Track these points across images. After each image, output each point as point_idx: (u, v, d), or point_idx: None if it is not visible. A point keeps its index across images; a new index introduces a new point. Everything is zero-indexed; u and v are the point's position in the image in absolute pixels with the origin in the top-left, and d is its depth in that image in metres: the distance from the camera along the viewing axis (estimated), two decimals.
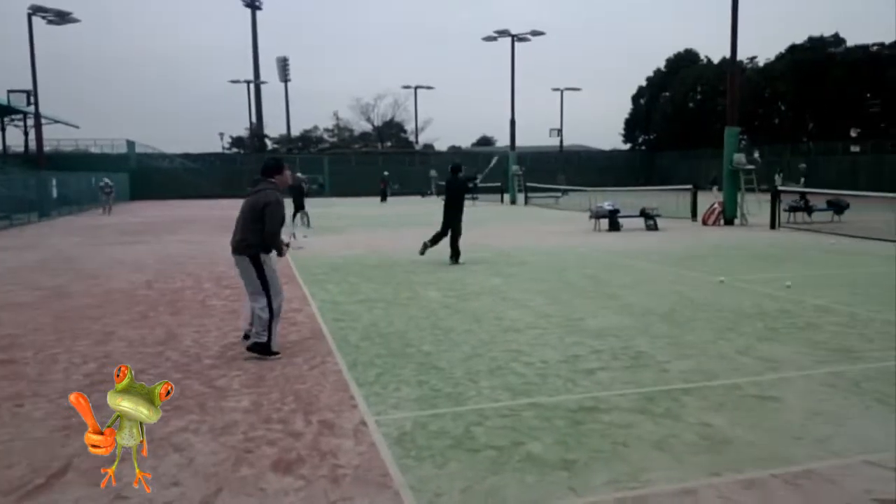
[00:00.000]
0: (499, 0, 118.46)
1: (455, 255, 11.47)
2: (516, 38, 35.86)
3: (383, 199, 38.58)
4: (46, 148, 45.04)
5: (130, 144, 49.56)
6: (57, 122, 44.45)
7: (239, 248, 5.79)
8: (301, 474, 3.51)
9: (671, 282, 9.31)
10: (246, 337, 6.00)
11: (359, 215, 26.72)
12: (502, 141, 39.92)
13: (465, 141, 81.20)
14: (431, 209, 30.57)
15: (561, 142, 62.32)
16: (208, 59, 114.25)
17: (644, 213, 18.25)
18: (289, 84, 69.71)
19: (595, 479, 3.40)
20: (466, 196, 12.11)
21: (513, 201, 35.23)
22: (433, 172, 47.04)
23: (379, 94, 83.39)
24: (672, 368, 5.24)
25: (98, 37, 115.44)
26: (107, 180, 30.55)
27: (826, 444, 3.76)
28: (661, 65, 62.42)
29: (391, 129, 72.89)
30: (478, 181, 12.45)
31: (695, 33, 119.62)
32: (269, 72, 74.24)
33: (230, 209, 29.17)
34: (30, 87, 30.63)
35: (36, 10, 29.62)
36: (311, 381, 5.06)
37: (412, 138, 68.04)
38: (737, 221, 18.78)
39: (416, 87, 58.35)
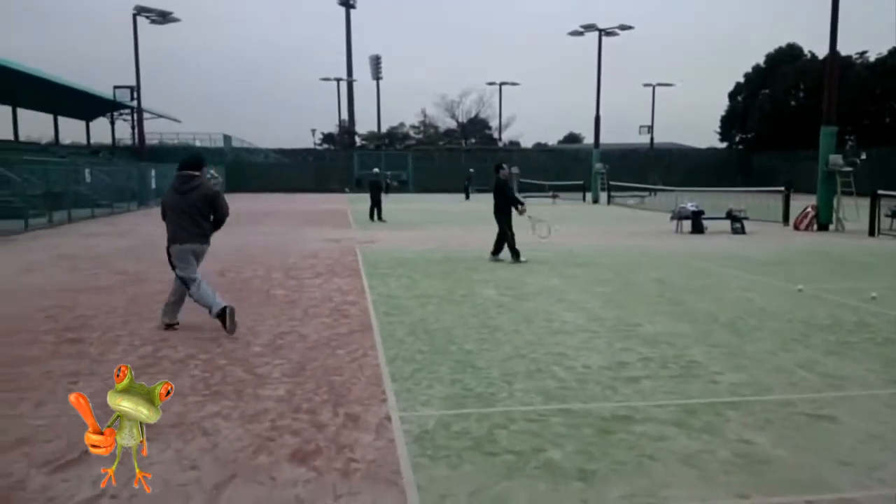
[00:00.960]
0: None
1: (514, 253, 11.27)
2: (604, 33, 35.02)
3: (467, 195, 38.65)
4: (152, 141, 48.03)
5: (227, 139, 51.96)
6: (160, 116, 47.24)
7: (204, 236, 6.51)
8: (314, 466, 3.53)
9: (744, 288, 8.81)
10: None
11: (436, 211, 26.89)
12: (590, 138, 39.10)
13: (552, 137, 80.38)
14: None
15: (651, 139, 60.54)
16: (303, 56, 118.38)
17: (730, 216, 17.40)
18: (379, 81, 71.11)
19: (611, 492, 3.24)
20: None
21: (595, 200, 34.51)
22: (515, 169, 46.72)
23: (464, 91, 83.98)
24: (723, 380, 4.94)
25: (199, 35, 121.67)
26: (212, 171, 31.77)
27: (876, 473, 3.43)
28: (761, 60, 59.35)
29: (475, 126, 72.98)
30: (520, 208, 11.91)
31: (798, 27, 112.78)
32: (361, 69, 75.93)
33: (316, 203, 30.28)
34: (135, 82, 32.64)
35: (140, 11, 31.57)
36: (349, 373, 5.10)
37: (496, 135, 67.89)
38: (831, 227, 17.58)
39: (500, 84, 58.16)
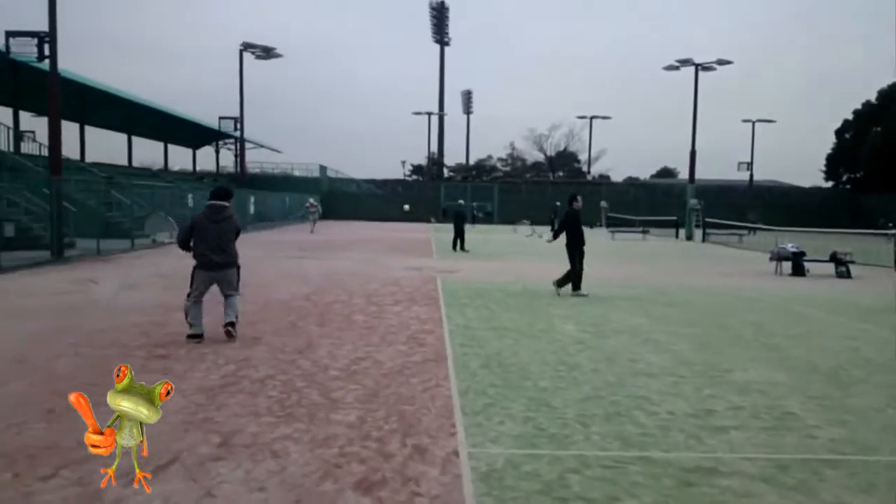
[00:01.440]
0: (684, 26, 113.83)
1: (575, 287, 11.06)
2: (700, 68, 34.11)
3: (553, 227, 38.29)
4: (255, 170, 50.50)
5: (322, 169, 53.94)
6: (262, 146, 49.65)
7: (232, 262, 7.31)
8: (379, 497, 3.47)
9: (849, 337, 8.16)
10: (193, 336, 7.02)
11: (520, 242, 26.70)
12: (685, 173, 38.04)
13: (644, 172, 78.48)
14: (597, 241, 29.86)
15: (751, 176, 57.99)
16: (397, 91, 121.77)
17: (835, 258, 16.29)
18: (470, 115, 72.17)
19: None
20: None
21: (688, 237, 33.26)
22: (604, 203, 45.95)
23: (553, 125, 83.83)
24: (821, 435, 4.54)
25: (299, 70, 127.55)
26: (312, 200, 32.91)
27: None
28: (872, 96, 56.03)
29: (563, 160, 72.50)
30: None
31: None
32: (452, 103, 77.27)
33: (403, 231, 30.82)
34: (239, 114, 34.53)
35: (246, 47, 33.48)
36: (420, 403, 5.04)
37: (585, 168, 67.11)
38: None
39: (591, 118, 57.56)
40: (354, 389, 5.38)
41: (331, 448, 4.13)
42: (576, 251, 11.20)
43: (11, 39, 16.18)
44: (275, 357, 6.45)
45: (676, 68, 35.27)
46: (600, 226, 44.17)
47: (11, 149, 23.20)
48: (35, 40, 15.91)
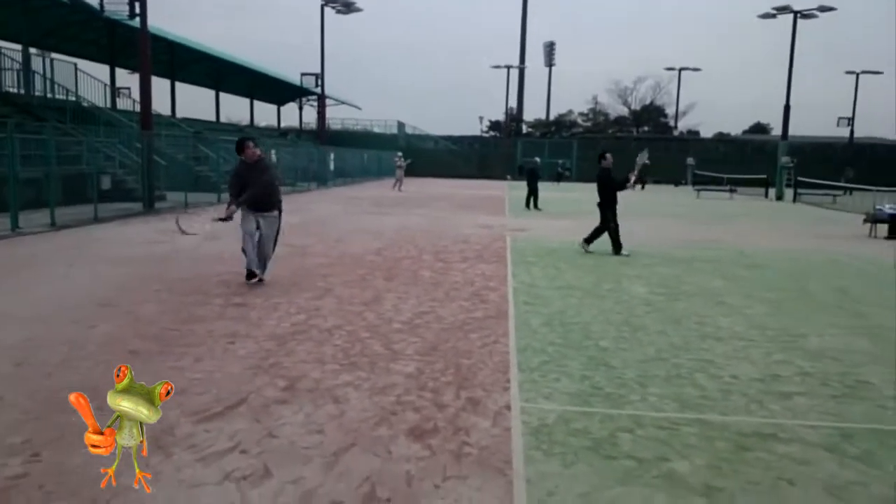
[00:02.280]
0: None
1: (616, 246, 10.80)
2: (799, 15, 31.79)
3: (643, 186, 37.43)
4: (336, 126, 51.29)
5: (400, 125, 54.18)
6: (342, 103, 50.21)
7: (277, 204, 7.97)
8: (429, 444, 3.59)
9: None
10: (250, 275, 7.70)
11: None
12: (779, 129, 35.76)
13: (735, 127, 74.50)
14: (682, 200, 28.83)
15: (851, 132, 54.24)
16: (477, 45, 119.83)
17: None
18: (552, 68, 70.39)
19: None
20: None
21: (779, 197, 31.61)
22: (690, 160, 44.20)
23: (639, 77, 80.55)
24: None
25: (379, 26, 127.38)
26: (400, 154, 32.01)
27: None
28: None
29: (649, 114, 69.75)
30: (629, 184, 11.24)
31: None
32: (532, 56, 75.46)
33: (477, 189, 30.66)
34: (325, 71, 35.03)
35: (327, 1, 33.73)
36: (477, 357, 5.12)
37: (672, 123, 64.46)
38: None
39: (679, 69, 54.93)
40: (415, 342, 5.52)
41: (388, 396, 4.29)
42: (607, 210, 10.92)
43: None
44: (343, 308, 6.67)
45: (773, 16, 33.02)
46: (685, 184, 42.59)
47: (108, 105, 24.46)
48: None
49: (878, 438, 3.80)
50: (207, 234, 12.36)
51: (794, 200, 29.75)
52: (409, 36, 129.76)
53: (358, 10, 34.25)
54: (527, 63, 70.26)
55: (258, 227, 7.74)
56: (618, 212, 10.98)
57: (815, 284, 8.78)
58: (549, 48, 76.87)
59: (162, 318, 6.07)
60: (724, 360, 5.27)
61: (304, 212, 17.98)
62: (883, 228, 15.26)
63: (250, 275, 7.70)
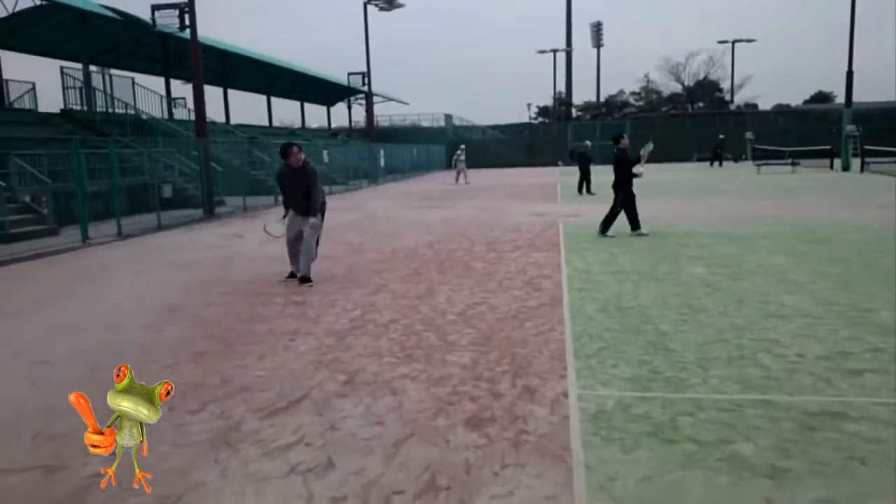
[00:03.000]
0: None
1: (634, 225, 10.76)
2: None
3: (715, 163, 36.72)
4: (384, 123, 51.73)
5: (448, 118, 54.20)
6: (389, 99, 50.61)
7: (321, 208, 7.98)
8: (487, 433, 3.62)
9: None
10: (292, 275, 7.97)
11: (655, 182, 25.55)
12: (842, 97, 34.02)
13: (796, 98, 71.90)
14: (741, 176, 27.91)
15: None
16: (523, 30, 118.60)
17: None
18: (600, 49, 69.11)
19: (803, 495, 2.89)
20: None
21: (845, 167, 30.26)
22: (749, 135, 42.78)
23: (691, 52, 78.36)
24: None
25: (423, 19, 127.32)
26: (462, 147, 30.88)
27: None
28: None
29: (704, 89, 67.69)
30: (638, 172, 10.98)
31: None
32: (579, 38, 74.23)
33: (527, 177, 30.37)
34: (371, 69, 35.35)
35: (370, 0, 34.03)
36: (532, 346, 5.12)
37: (728, 98, 62.42)
38: None
39: (733, 42, 53.11)
40: (469, 333, 5.55)
41: (444, 387, 4.33)
42: (620, 191, 10.84)
43: (157, 13, 17.52)
44: (397, 302, 6.76)
45: None
46: (745, 159, 41.26)
47: (165, 115, 25.32)
48: (176, 12, 17.11)
49: None
50: (265, 237, 12.72)
51: (862, 171, 28.41)
52: (453, 26, 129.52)
53: (400, 5, 34.45)
54: (574, 45, 69.28)
55: (301, 230, 7.92)
56: (618, 195, 10.94)
57: (883, 257, 8.40)
58: (597, 28, 75.54)
59: (226, 319, 6.29)
60: (788, 338, 5.12)
61: (357, 209, 18.25)
62: None
63: (291, 274, 8.03)
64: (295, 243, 7.93)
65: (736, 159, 41.72)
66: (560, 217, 14.14)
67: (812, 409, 3.79)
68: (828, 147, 32.77)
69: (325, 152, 28.07)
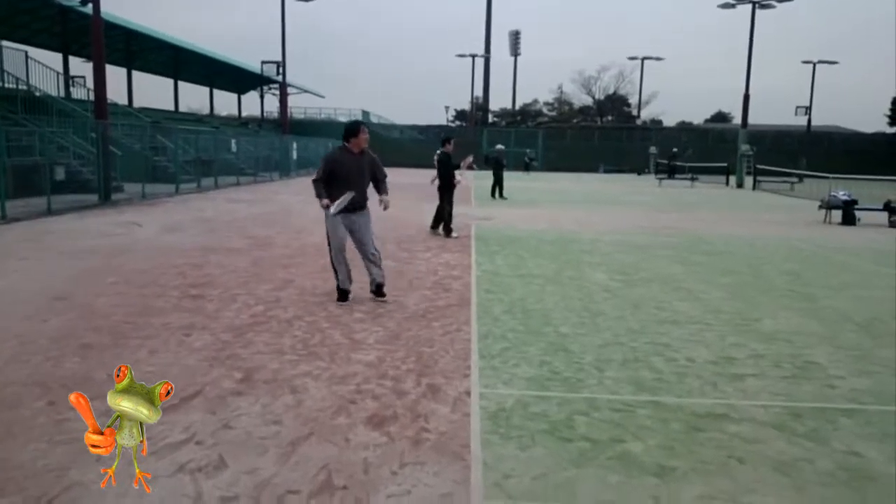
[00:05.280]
0: None
1: (446, 229, 11.34)
2: (758, 5, 32.38)
3: (670, 176, 35.74)
4: (299, 115, 50.63)
5: (365, 114, 53.74)
6: (304, 91, 49.58)
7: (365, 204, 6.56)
8: (388, 431, 3.59)
9: (891, 287, 7.90)
10: (344, 295, 6.55)
11: (562, 190, 26.33)
12: (740, 118, 36.21)
13: (698, 116, 75.78)
14: (644, 188, 29.21)
15: (809, 121, 55.53)
16: (442, 34, 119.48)
17: (888, 207, 15.65)
18: (517, 57, 70.51)
19: (687, 492, 3.03)
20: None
21: (739, 184, 32.31)
22: (653, 149, 44.83)
23: (603, 66, 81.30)
24: (842, 385, 4.46)
25: (342, 14, 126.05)
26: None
27: None
28: None
29: (613, 104, 70.41)
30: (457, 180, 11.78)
31: None
32: (498, 45, 75.49)
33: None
34: (287, 58, 34.52)
35: None
36: (439, 345, 5.13)
37: (635, 113, 65.17)
38: None
39: (642, 59, 55.49)
40: (377, 331, 5.50)
41: (347, 385, 4.27)
42: (445, 193, 11.43)
43: None
44: (303, 299, 6.61)
45: (732, 6, 33.58)
46: (648, 172, 43.18)
47: (61, 94, 23.75)
48: None
49: (825, 417, 3.92)
50: (165, 226, 12.15)
51: (754, 188, 30.41)
52: (375, 24, 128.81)
53: None
54: (492, 52, 70.31)
55: (351, 232, 6.56)
56: (444, 197, 11.49)
57: (770, 269, 9.00)
58: (515, 37, 77.06)
59: (116, 311, 5.94)
60: (679, 343, 5.37)
61: (266, 202, 17.76)
62: (837, 214, 15.72)
63: (343, 294, 6.50)
64: (344, 254, 6.56)
65: (639, 172, 43.60)
66: (472, 219, 14.29)
67: (698, 410, 3.99)
68: (724, 164, 34.85)
69: (233, 141, 27.17)
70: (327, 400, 4.02)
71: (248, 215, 14.31)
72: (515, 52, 76.45)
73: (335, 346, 5.08)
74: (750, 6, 32.51)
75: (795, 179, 29.52)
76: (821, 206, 16.33)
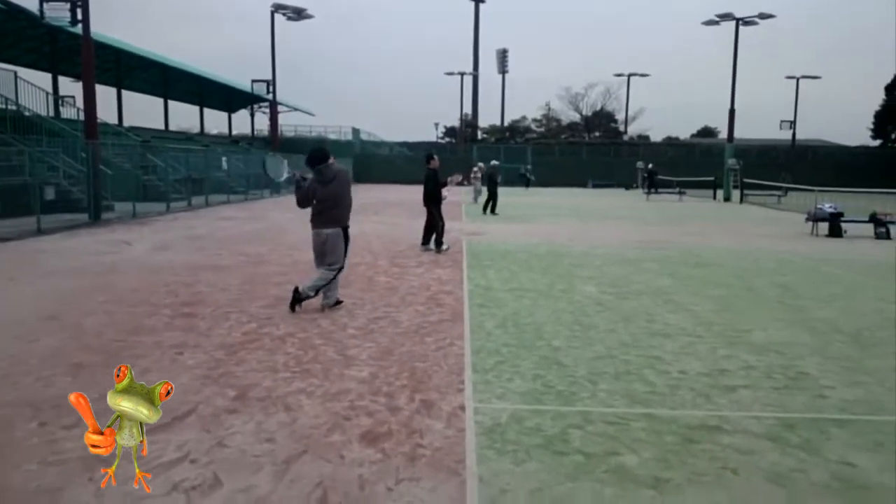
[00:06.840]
0: None
1: (437, 243, 11.43)
2: (742, 22, 32.84)
3: (650, 191, 34.85)
4: (290, 133, 50.69)
5: (355, 132, 53.92)
6: (296, 109, 49.77)
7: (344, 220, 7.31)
8: (383, 448, 3.58)
9: (879, 298, 7.98)
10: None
11: (553, 205, 26.44)
12: (726, 132, 36.67)
13: (684, 132, 76.65)
14: (632, 202, 29.39)
15: (793, 135, 56.19)
16: (431, 52, 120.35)
17: (874, 219, 15.83)
18: (505, 75, 71.03)
19: (682, 503, 3.04)
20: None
21: (726, 198, 32.60)
22: (640, 164, 45.12)
23: (590, 83, 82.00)
24: (833, 395, 4.50)
25: (332, 32, 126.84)
26: (480, 164, 28.69)
27: None
28: None
29: (600, 120, 70.95)
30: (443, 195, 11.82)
31: None
32: (487, 63, 76.10)
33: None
34: (278, 77, 34.61)
35: (277, 8, 33.40)
36: (432, 360, 5.14)
37: (622, 129, 65.72)
38: None
39: (629, 75, 56.11)
40: (369, 347, 5.50)
41: (341, 402, 4.26)
42: (433, 208, 11.57)
43: (46, 4, 16.42)
44: (297, 316, 6.60)
45: (716, 23, 34.05)
46: (636, 187, 43.45)
47: (51, 113, 23.71)
48: (68, 4, 16.13)
49: (817, 427, 3.95)
50: (156, 244, 12.10)
51: (741, 201, 30.68)
52: (364, 43, 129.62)
53: (309, 16, 34.00)
54: (480, 70, 70.86)
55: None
56: (432, 212, 11.58)
57: (759, 281, 9.06)
58: (502, 55, 77.73)
59: (107, 330, 5.91)
60: (671, 355, 5.40)
61: (258, 220, 17.74)
62: (823, 227, 15.87)
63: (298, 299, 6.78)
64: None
65: (627, 187, 43.88)
66: (464, 234, 14.32)
67: (692, 422, 4.01)
68: (712, 178, 35.16)
69: (223, 159, 27.16)
70: (321, 417, 4.01)
71: (239, 233, 14.28)
72: (503, 69, 77.09)
73: (328, 363, 5.07)
74: (734, 23, 32.97)
75: (782, 192, 29.80)
76: (807, 219, 16.49)
